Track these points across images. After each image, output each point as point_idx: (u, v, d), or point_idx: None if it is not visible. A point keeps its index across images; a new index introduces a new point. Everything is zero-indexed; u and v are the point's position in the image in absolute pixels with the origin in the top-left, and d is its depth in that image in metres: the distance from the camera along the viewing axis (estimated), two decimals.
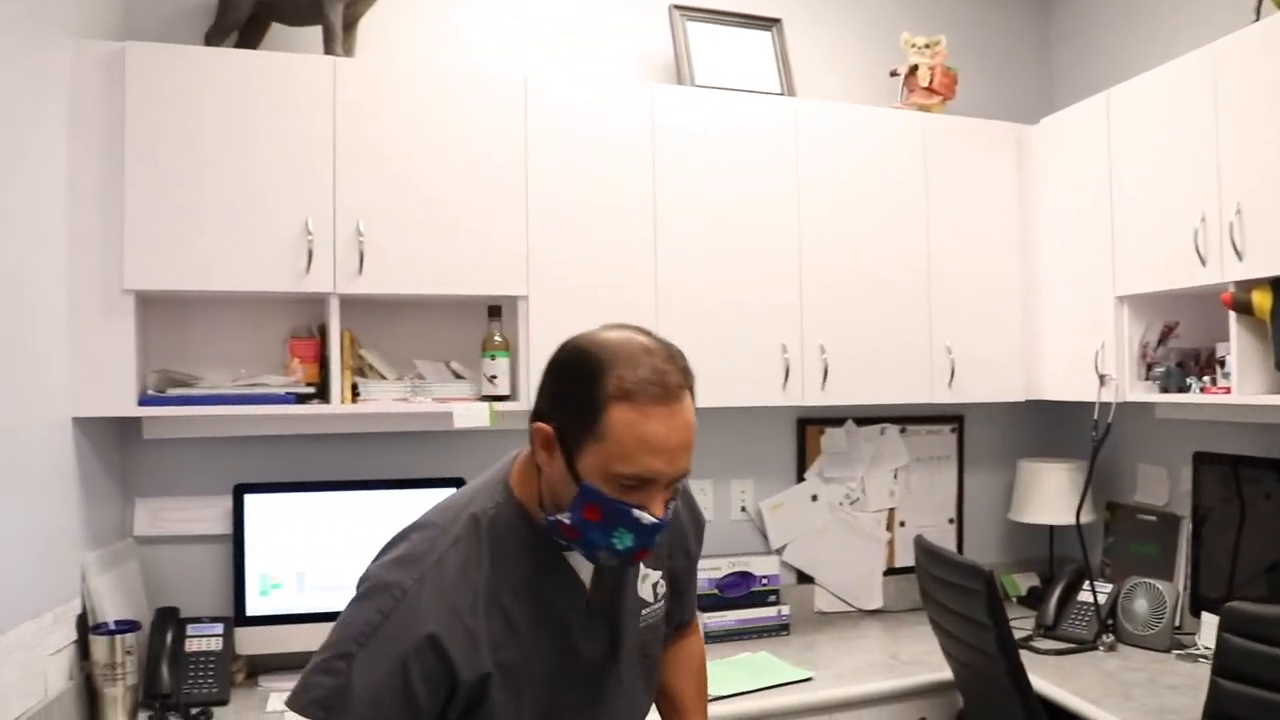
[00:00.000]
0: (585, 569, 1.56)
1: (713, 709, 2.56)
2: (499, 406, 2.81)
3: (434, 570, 1.45)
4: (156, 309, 2.72)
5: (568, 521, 1.44)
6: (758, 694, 2.70)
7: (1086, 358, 3.10)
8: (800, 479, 3.51)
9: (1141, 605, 3.07)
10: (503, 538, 1.50)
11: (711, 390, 2.93)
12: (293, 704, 1.41)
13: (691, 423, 1.46)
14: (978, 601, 2.38)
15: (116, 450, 2.78)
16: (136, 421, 2.80)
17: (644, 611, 1.66)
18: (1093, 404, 3.10)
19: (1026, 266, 3.39)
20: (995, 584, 2.37)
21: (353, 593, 1.48)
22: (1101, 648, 3.03)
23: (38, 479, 2.26)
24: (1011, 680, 2.36)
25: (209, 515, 2.90)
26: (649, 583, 1.67)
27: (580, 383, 1.41)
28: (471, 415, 2.77)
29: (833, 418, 3.52)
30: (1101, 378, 3.05)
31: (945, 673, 2.82)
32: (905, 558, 3.60)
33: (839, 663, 2.97)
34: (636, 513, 1.42)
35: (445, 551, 1.47)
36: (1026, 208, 3.39)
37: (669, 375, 1.43)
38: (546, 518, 1.49)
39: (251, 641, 2.74)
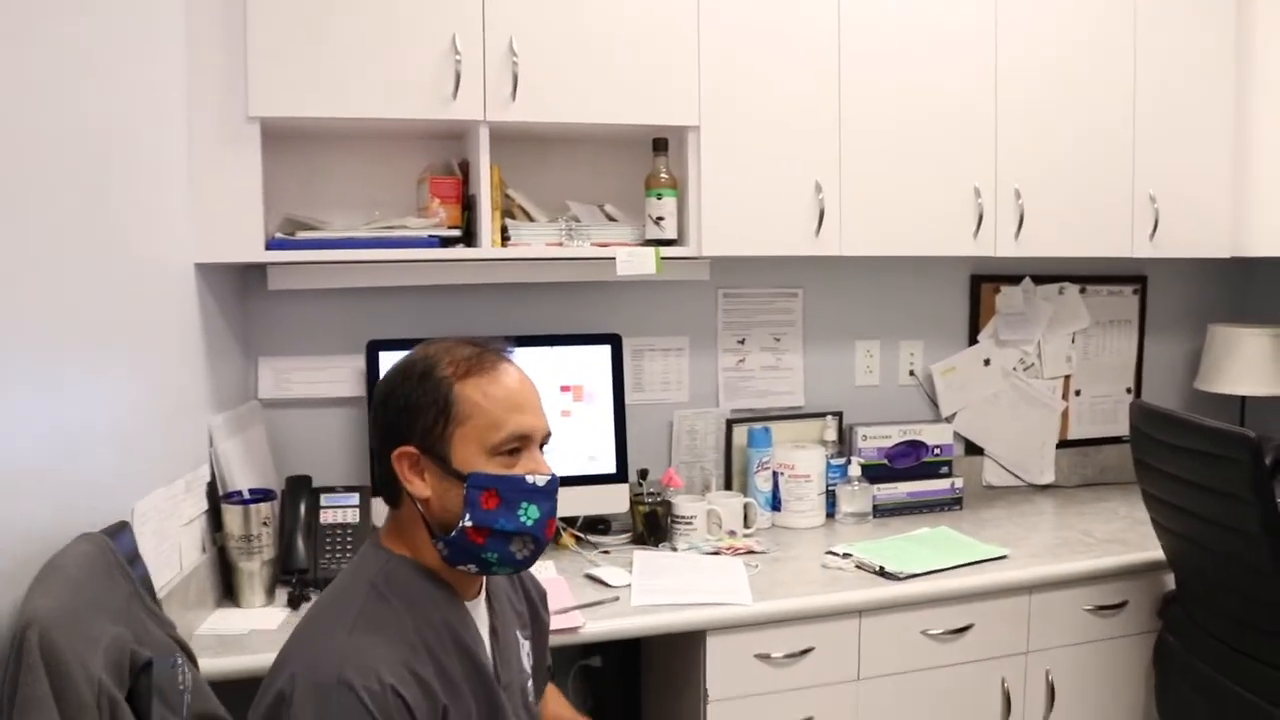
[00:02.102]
0: (484, 627, 1.53)
1: (907, 587, 2.36)
2: (666, 251, 2.50)
3: (358, 639, 1.35)
4: (277, 148, 2.41)
5: (470, 525, 1.41)
6: (952, 573, 2.44)
7: None
8: (973, 341, 3.19)
9: None
10: (408, 590, 1.44)
11: (897, 239, 2.67)
12: None
13: (530, 378, 1.51)
14: (1236, 473, 2.07)
15: (238, 304, 2.53)
16: (260, 272, 2.54)
17: (526, 684, 1.63)
18: None
19: (1241, 104, 2.97)
20: (1263, 454, 2.05)
21: None
22: None
23: (161, 330, 2.01)
24: (1274, 563, 2.05)
25: (340, 376, 2.66)
26: (523, 651, 1.64)
27: (417, 386, 1.44)
28: (636, 261, 2.47)
29: (1009, 274, 3.19)
30: None
31: (1148, 552, 2.56)
32: (1079, 429, 3.31)
33: (1028, 540, 2.70)
34: (530, 478, 1.43)
35: (355, 621, 1.37)
36: (1245, 33, 2.96)
37: (487, 345, 1.49)
38: (445, 542, 1.44)
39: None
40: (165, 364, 2.01)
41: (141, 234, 1.89)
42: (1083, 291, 3.28)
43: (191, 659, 1.63)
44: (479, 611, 1.54)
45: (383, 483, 1.49)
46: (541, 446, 1.49)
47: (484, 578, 1.55)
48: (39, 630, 1.16)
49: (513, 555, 1.44)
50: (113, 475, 1.69)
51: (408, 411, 1.43)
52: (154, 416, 1.92)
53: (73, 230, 1.56)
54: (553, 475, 1.46)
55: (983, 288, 3.17)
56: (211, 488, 2.23)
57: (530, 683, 1.64)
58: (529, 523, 1.43)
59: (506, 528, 1.42)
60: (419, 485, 1.44)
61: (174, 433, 2.04)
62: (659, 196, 2.52)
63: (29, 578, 1.29)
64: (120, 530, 1.61)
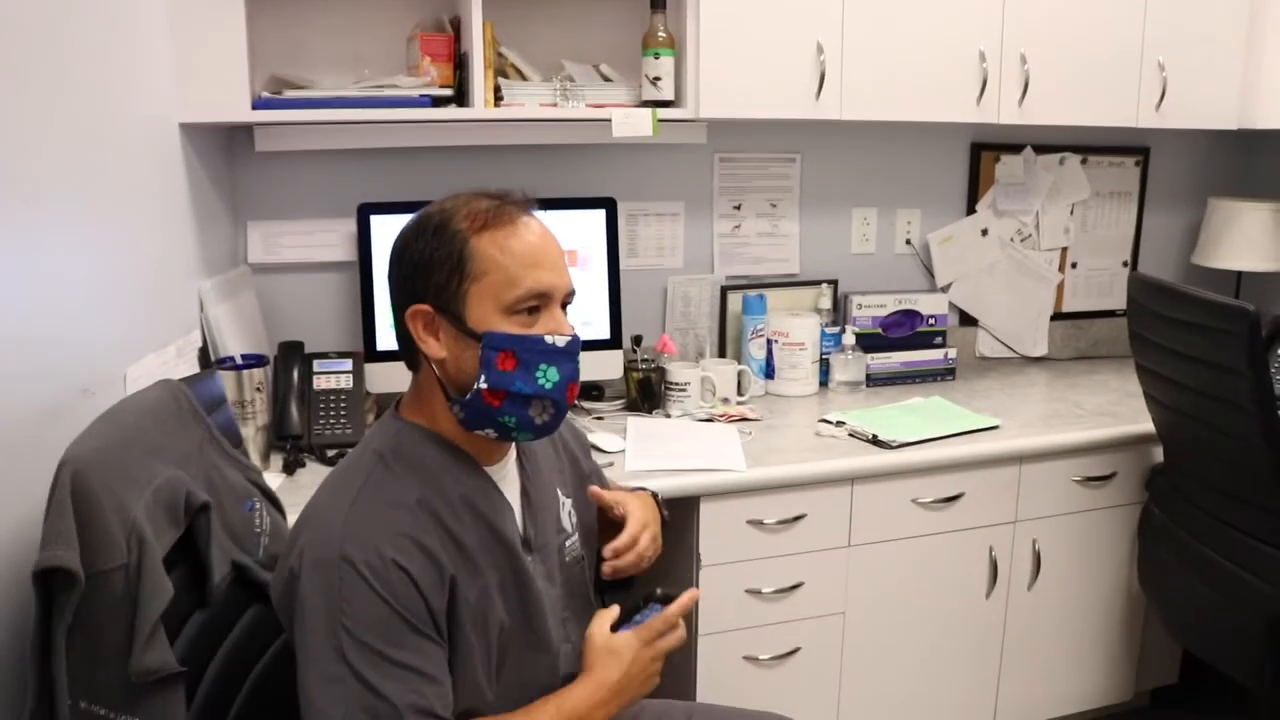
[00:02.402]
0: (513, 491, 1.51)
1: (899, 456, 2.38)
2: (663, 113, 2.44)
3: (360, 512, 1.34)
4: (262, 4, 2.30)
5: (486, 386, 1.36)
6: (944, 442, 2.45)
7: None
8: (971, 211, 3.15)
9: None
10: (418, 460, 1.41)
11: (899, 104, 2.60)
12: None
13: (554, 234, 1.44)
14: (1232, 346, 2.06)
15: (225, 166, 2.47)
16: (247, 133, 2.47)
17: (566, 544, 1.59)
18: None
19: None
20: (1260, 327, 2.04)
21: None
22: None
23: (146, 192, 1.95)
24: (1265, 437, 2.07)
25: (330, 240, 2.61)
26: (565, 510, 1.61)
27: (430, 240, 1.37)
28: (632, 123, 2.40)
29: (1009, 143, 3.12)
30: None
31: (1137, 425, 2.58)
32: (1074, 302, 3.30)
33: (1020, 411, 2.72)
34: (549, 338, 1.38)
35: (360, 493, 1.36)
36: None
37: (507, 197, 1.42)
38: (461, 405, 1.39)
39: (384, 379, 2.47)
40: (151, 227, 1.96)
41: (123, 92, 1.83)
42: (1084, 162, 3.22)
43: (275, 504, 1.66)
44: (506, 476, 1.51)
45: (401, 344, 1.46)
46: (564, 306, 1.43)
47: (512, 442, 1.51)
48: (72, 469, 1.19)
49: (531, 420, 1.39)
50: (104, 339, 1.67)
51: (422, 267, 1.37)
52: (142, 281, 1.88)
53: (52, 87, 1.50)
54: (574, 335, 1.41)
55: (983, 156, 3.12)
56: (203, 353, 2.20)
57: (573, 540, 1.61)
58: (548, 385, 1.38)
59: (524, 390, 1.36)
60: (433, 345, 1.39)
61: (163, 297, 2.01)
62: (656, 56, 2.44)
63: (24, 439, 1.28)
64: (205, 378, 1.65)
